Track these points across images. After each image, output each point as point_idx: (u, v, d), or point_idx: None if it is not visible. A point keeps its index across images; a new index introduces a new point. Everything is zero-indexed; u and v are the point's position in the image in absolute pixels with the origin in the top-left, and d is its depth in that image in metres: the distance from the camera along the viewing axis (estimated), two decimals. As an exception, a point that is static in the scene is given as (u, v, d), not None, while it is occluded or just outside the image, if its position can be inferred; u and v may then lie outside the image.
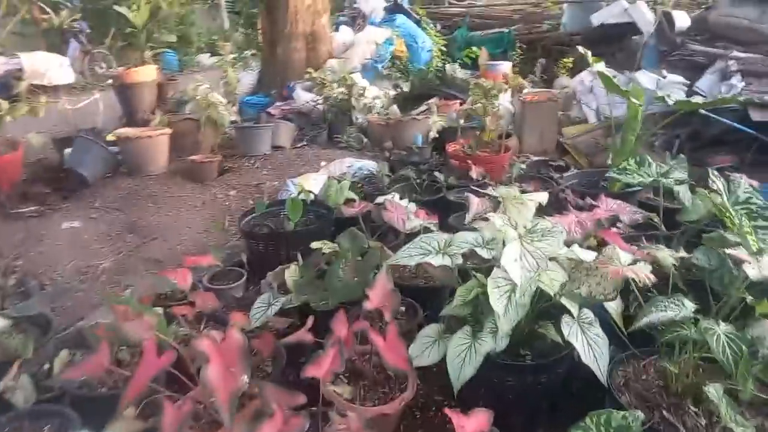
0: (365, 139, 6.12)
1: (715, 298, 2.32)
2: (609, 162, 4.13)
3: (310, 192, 3.59)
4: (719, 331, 1.60)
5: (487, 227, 2.42)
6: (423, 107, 6.39)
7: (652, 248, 2.41)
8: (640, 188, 3.34)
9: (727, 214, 2.43)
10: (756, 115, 4.11)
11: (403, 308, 2.62)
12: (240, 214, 3.76)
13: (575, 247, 2.24)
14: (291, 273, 2.75)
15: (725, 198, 2.37)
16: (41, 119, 5.16)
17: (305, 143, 6.07)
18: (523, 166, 4.02)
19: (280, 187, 4.61)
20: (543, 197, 2.35)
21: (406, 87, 7.41)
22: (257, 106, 7.26)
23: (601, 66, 3.36)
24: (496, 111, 4.30)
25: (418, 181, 4.19)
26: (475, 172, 3.88)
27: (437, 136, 4.77)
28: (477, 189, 3.29)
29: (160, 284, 2.29)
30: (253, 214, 3.38)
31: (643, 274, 1.67)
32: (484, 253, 2.09)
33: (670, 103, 3.33)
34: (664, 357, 1.86)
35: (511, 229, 1.92)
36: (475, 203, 3.22)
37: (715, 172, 2.43)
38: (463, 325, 2.17)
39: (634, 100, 3.33)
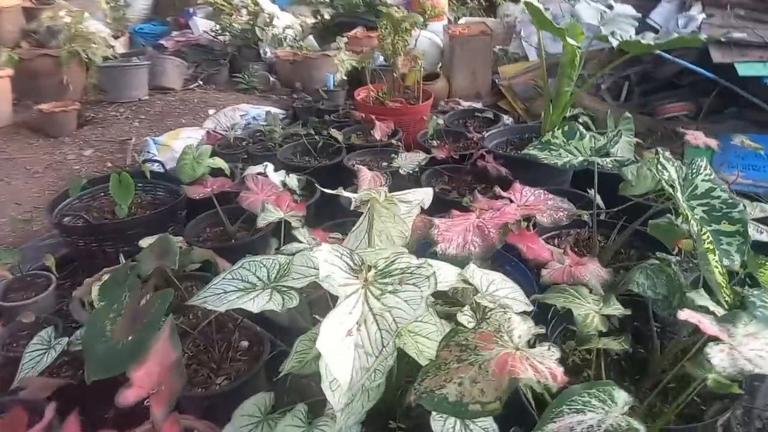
0: (272, 79, 5.21)
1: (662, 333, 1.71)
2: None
3: (154, 162, 2.76)
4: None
5: (353, 237, 1.70)
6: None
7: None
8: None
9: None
10: (718, 56, 3.43)
11: (245, 343, 1.91)
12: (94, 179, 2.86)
13: (470, 270, 1.56)
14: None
15: (678, 190, 1.69)
16: None
17: (200, 83, 5.11)
18: (441, 121, 3.26)
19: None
20: (425, 195, 1.61)
21: (328, 14, 6.38)
22: (150, 36, 6.17)
23: (528, -7, 2.57)
24: (411, 50, 3.47)
25: (313, 139, 3.38)
26: (378, 131, 3.10)
27: (346, 78, 3.92)
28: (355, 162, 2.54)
29: None
30: (69, 198, 2.53)
31: (548, 367, 0.99)
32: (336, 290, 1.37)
33: (615, 43, 2.60)
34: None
35: (344, 273, 1.20)
36: (367, 180, 2.50)
37: (667, 154, 1.74)
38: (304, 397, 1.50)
39: (570, 40, 2.57)
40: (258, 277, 1.50)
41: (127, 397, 1.24)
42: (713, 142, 2.68)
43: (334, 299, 1.59)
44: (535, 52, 4.83)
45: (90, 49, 4.81)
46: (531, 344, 1.09)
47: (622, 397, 1.11)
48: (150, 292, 1.61)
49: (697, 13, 3.90)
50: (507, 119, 3.92)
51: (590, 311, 1.28)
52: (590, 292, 1.59)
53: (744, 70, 3.29)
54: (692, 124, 3.81)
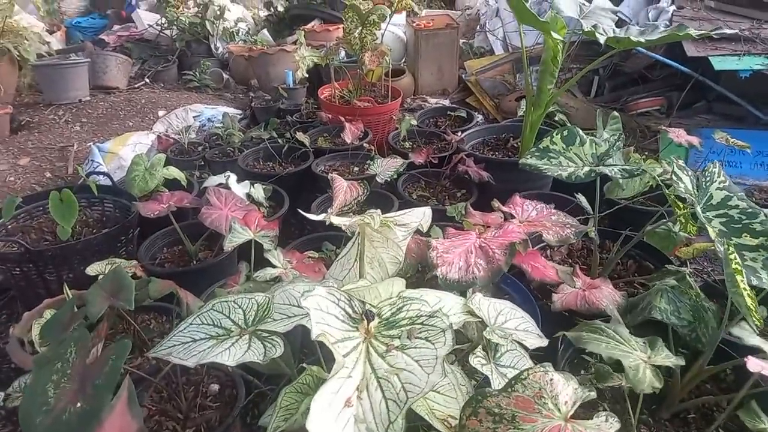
0: (226, 76, 4.90)
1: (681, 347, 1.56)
2: (520, 112, 3.27)
3: (99, 174, 2.46)
4: None
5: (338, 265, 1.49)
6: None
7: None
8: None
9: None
10: (692, 50, 3.36)
11: (216, 387, 1.67)
12: (30, 195, 2.52)
13: (476, 300, 1.37)
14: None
15: (696, 200, 1.55)
16: None
17: (147, 82, 4.75)
18: (414, 121, 3.06)
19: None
20: (423, 217, 1.42)
21: (282, 6, 6.08)
22: (90, 31, 5.73)
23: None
24: (378, 45, 3.25)
25: (277, 143, 3.13)
26: (349, 134, 2.88)
27: (307, 75, 3.66)
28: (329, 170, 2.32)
29: None
30: (2, 219, 2.21)
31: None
32: (333, 339, 1.14)
33: (602, 39, 2.47)
34: None
35: (341, 323, 1.00)
36: (342, 191, 2.28)
37: (680, 163, 1.60)
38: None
39: (554, 34, 2.42)
40: (233, 321, 1.28)
41: (78, 489, 1.00)
42: (695, 140, 2.60)
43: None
44: (501, 46, 4.69)
45: (22, 45, 4.38)
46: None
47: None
48: (102, 340, 1.35)
49: (666, 5, 3.83)
50: (478, 117, 3.77)
51: (640, 362, 1.11)
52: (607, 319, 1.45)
53: (719, 64, 3.23)
54: (664, 120, 3.75)
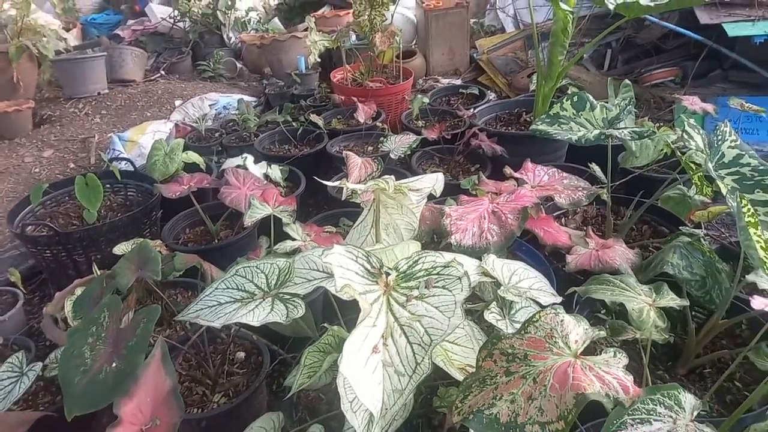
0: (239, 65, 4.95)
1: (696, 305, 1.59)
2: (532, 87, 3.27)
3: (122, 160, 2.53)
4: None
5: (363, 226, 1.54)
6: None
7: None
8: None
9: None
10: (705, 17, 3.33)
11: (242, 354, 1.73)
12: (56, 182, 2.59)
13: (490, 260, 1.41)
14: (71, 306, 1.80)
15: (708, 158, 1.57)
16: None
17: (163, 73, 4.82)
18: (426, 99, 3.09)
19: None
20: (436, 182, 1.45)
21: (292, -6, 6.11)
22: (105, 27, 5.82)
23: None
24: (388, 26, 3.27)
25: (291, 126, 3.18)
26: (362, 114, 2.91)
27: (319, 60, 3.69)
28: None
29: None
30: (31, 204, 2.29)
31: (615, 377, 0.85)
32: (358, 289, 1.18)
33: (611, 6, 2.46)
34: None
35: (361, 278, 1.04)
36: (357, 167, 2.33)
37: (691, 122, 1.61)
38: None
39: (563, 5, 2.42)
40: (256, 285, 1.33)
41: (117, 437, 1.06)
42: (710, 107, 2.59)
43: (340, 302, 1.45)
44: (512, 23, 4.68)
45: (40, 42, 4.47)
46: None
47: (689, 401, 0.99)
48: (132, 309, 1.42)
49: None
50: (490, 95, 3.77)
51: (644, 305, 1.14)
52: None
53: (733, 30, 3.20)
54: (679, 90, 3.72)
